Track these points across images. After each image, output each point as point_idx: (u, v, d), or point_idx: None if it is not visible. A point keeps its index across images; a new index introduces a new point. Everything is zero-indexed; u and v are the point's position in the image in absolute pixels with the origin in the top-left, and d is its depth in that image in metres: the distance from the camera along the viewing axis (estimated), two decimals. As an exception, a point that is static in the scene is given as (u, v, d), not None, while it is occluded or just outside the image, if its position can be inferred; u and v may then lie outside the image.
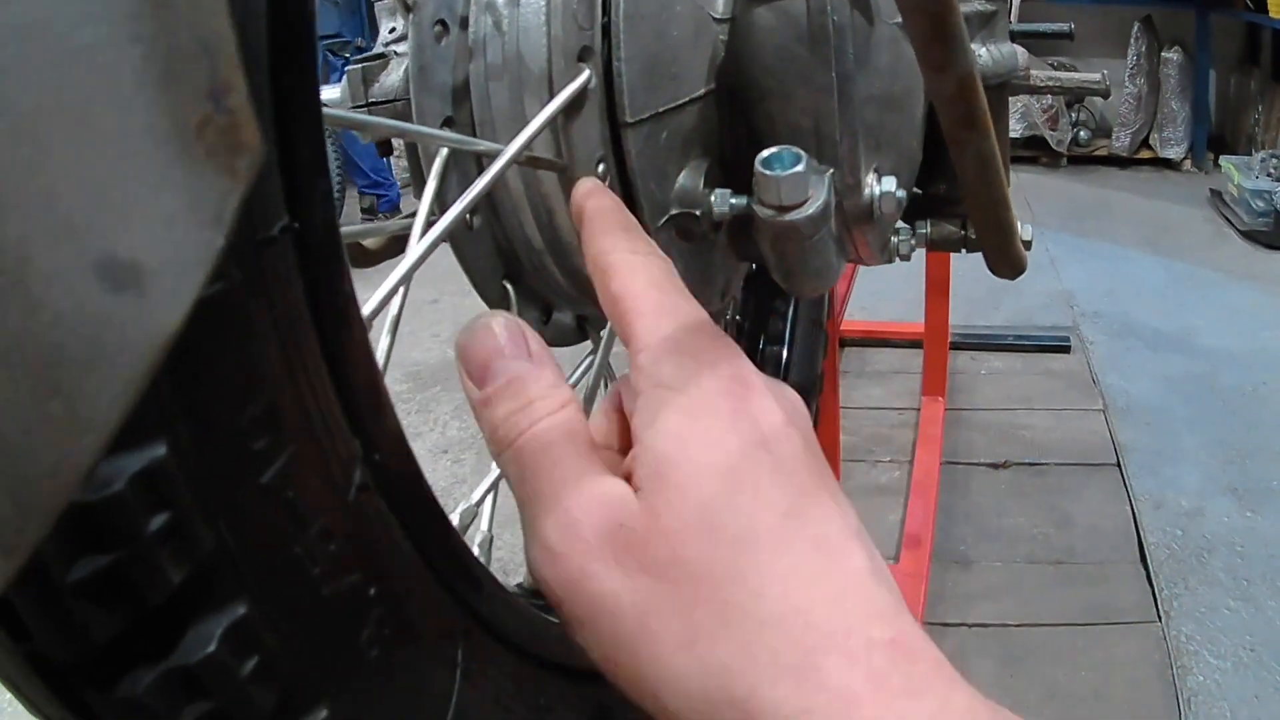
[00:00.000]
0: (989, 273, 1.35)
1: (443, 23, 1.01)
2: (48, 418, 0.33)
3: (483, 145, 0.96)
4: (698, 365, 0.65)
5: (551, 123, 0.95)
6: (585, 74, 0.96)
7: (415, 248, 0.82)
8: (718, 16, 1.12)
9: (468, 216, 1.03)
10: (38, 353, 0.32)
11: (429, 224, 0.88)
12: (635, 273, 0.70)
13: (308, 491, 0.51)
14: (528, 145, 0.90)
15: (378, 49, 1.14)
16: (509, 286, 1.10)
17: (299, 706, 0.52)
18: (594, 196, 0.77)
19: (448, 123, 1.02)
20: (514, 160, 0.89)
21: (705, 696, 0.55)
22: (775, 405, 0.65)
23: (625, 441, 0.69)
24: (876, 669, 0.55)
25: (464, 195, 0.85)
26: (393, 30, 1.19)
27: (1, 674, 0.50)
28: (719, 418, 0.62)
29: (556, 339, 1.19)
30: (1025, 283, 1.32)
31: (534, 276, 1.12)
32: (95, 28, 0.33)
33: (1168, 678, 2.97)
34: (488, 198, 1.04)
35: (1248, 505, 3.83)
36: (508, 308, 1.10)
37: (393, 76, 1.08)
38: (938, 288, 4.25)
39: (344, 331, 0.54)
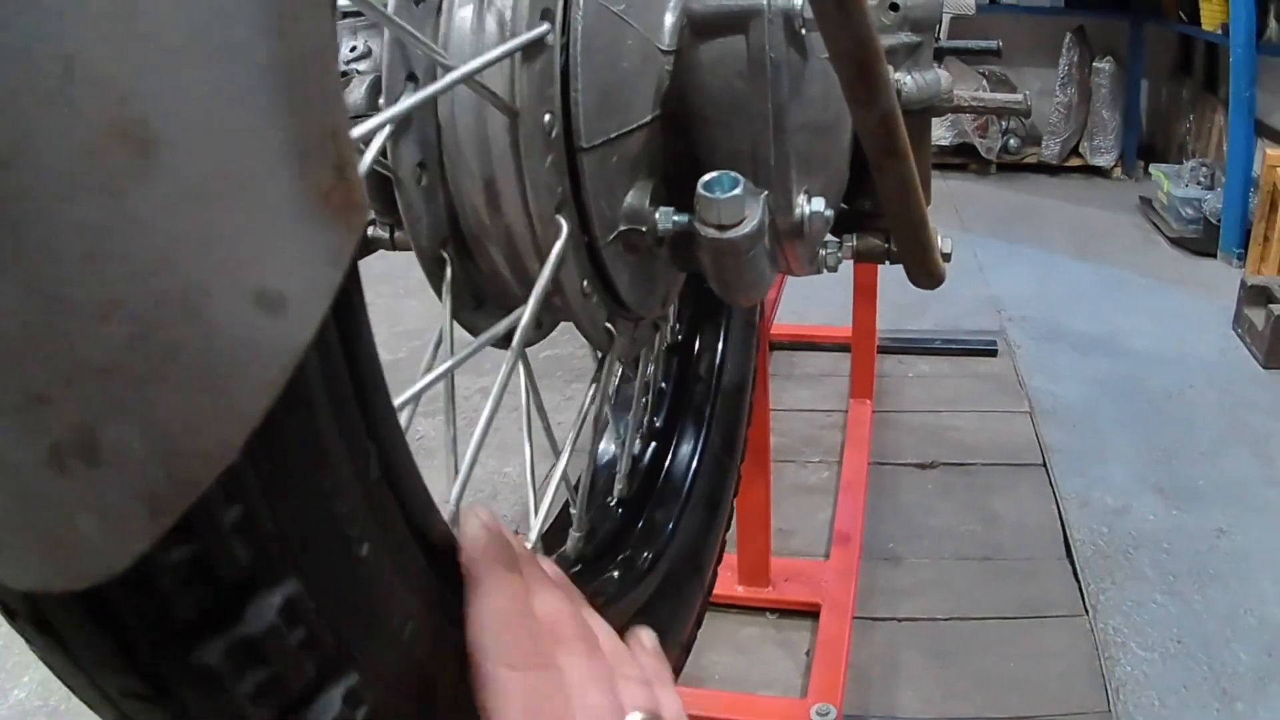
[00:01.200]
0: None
1: None
2: (205, 409, 0.44)
3: (445, 57, 1.02)
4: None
5: (510, 65, 1.01)
6: (545, 26, 1.02)
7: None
8: (663, 49, 1.21)
9: (417, 172, 1.10)
10: (205, 359, 0.44)
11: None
12: (509, 699, 0.70)
13: (342, 485, 0.61)
14: (482, 68, 0.96)
15: (340, 67, 1.19)
16: (445, 254, 1.16)
17: (334, 672, 0.62)
18: (485, 556, 0.75)
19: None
20: (465, 78, 0.95)
21: None
22: None
23: None
24: None
25: (413, 96, 0.95)
26: (354, 49, 1.25)
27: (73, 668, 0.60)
28: None
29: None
30: (953, 288, 1.38)
31: (470, 243, 1.18)
32: (249, 116, 0.44)
33: (1096, 668, 3.03)
34: (437, 149, 1.10)
35: (1173, 504, 3.91)
36: (442, 275, 1.16)
37: (355, 94, 1.16)
38: (865, 293, 4.29)
39: (363, 354, 0.64)
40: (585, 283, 1.18)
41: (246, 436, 0.47)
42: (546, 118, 1.05)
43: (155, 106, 0.40)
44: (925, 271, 1.38)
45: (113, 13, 0.39)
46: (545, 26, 1.02)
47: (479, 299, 1.22)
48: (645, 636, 0.94)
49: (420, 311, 5.13)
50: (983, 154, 9.07)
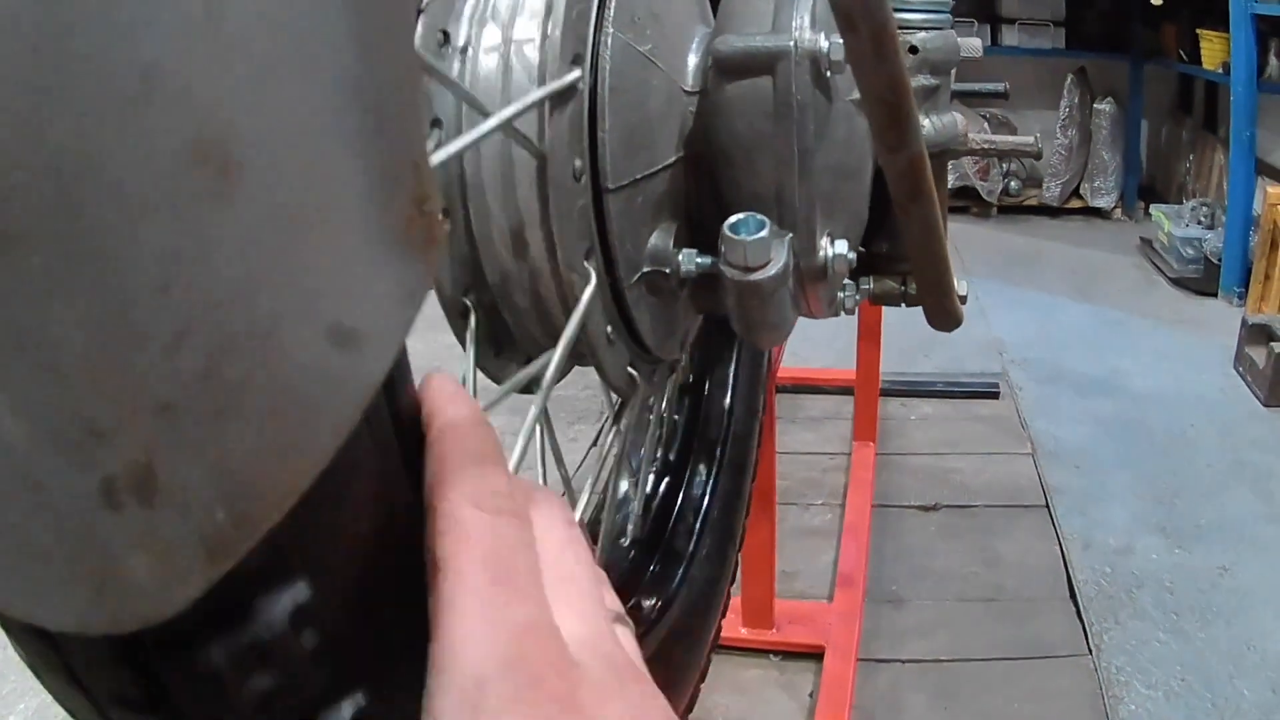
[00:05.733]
0: (919, 322, 1.44)
1: (445, 33, 1.07)
2: (274, 446, 0.43)
3: (480, 103, 1.00)
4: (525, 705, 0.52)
5: (539, 111, 1.01)
6: (577, 72, 1.03)
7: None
8: (687, 90, 1.21)
9: (439, 217, 1.09)
10: (277, 394, 0.42)
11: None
12: (471, 543, 0.57)
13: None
14: (517, 115, 0.96)
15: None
16: (468, 302, 1.15)
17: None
18: (452, 404, 0.66)
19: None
20: (502, 125, 0.94)
21: None
22: None
23: None
24: None
25: (448, 146, 0.94)
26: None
27: None
28: None
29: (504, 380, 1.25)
30: (955, 331, 1.37)
31: (494, 293, 1.16)
32: (334, 141, 0.43)
33: (1099, 708, 3.02)
34: (461, 198, 1.09)
35: (1176, 543, 3.90)
36: (465, 322, 1.16)
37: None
38: (869, 335, 4.28)
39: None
40: (610, 329, 1.18)
41: (314, 477, 0.45)
42: (576, 163, 1.05)
43: (238, 125, 0.39)
44: (944, 313, 1.39)
45: (196, 23, 0.37)
46: (577, 73, 1.03)
47: (499, 346, 1.21)
48: None
49: (425, 354, 5.11)
50: (984, 196, 9.05)
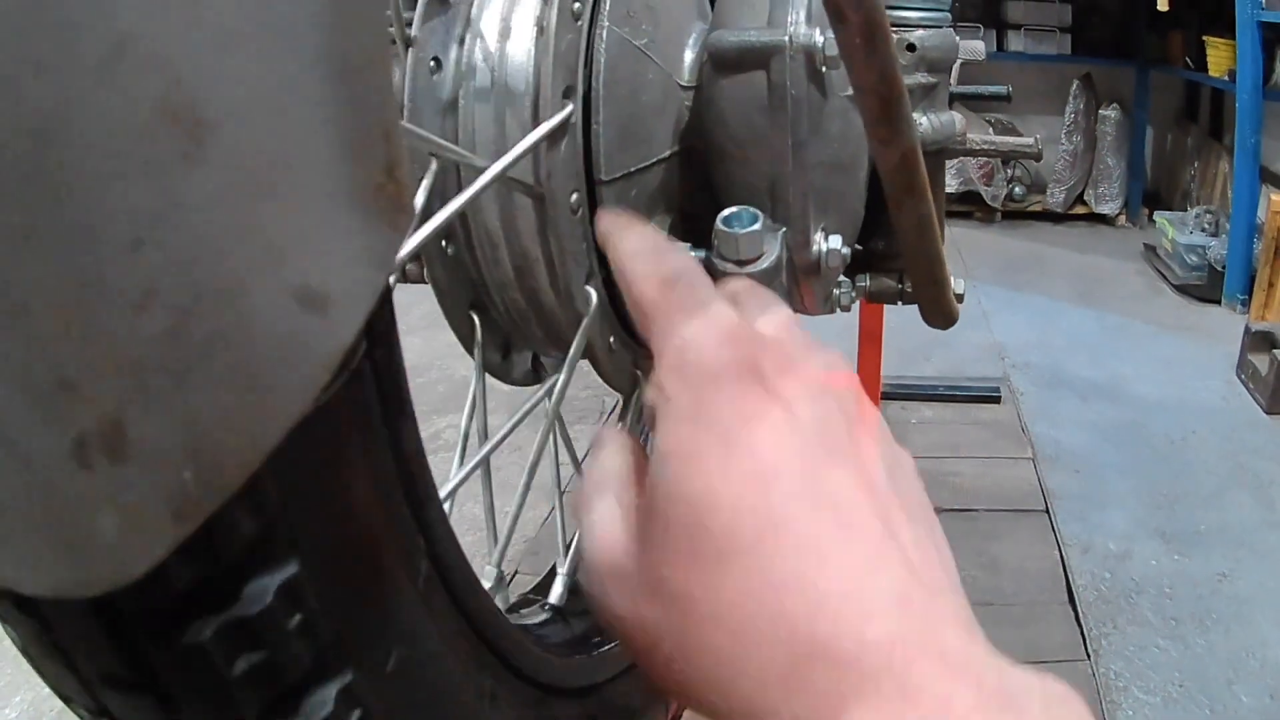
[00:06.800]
0: (921, 325, 1.44)
1: (436, 60, 1.09)
2: (241, 406, 0.43)
3: (474, 159, 1.03)
4: (700, 375, 0.59)
5: (534, 150, 1.02)
6: (569, 108, 1.04)
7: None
8: (684, 84, 1.22)
9: (442, 242, 1.10)
10: (244, 354, 0.43)
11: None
12: (648, 272, 0.65)
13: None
14: (511, 165, 0.97)
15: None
16: (474, 316, 1.18)
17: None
18: (611, 218, 0.71)
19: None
20: (496, 179, 0.96)
21: (714, 707, 0.54)
22: (789, 400, 0.61)
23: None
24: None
25: (446, 207, 0.93)
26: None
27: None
28: (709, 434, 0.57)
29: (515, 379, 1.27)
30: (957, 335, 1.36)
31: (498, 309, 1.19)
32: (305, 106, 0.44)
33: (1097, 712, 2.95)
34: (463, 225, 1.11)
35: (1176, 548, 3.88)
36: (473, 337, 1.18)
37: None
38: (870, 338, 4.26)
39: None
40: (612, 340, 1.19)
41: (279, 439, 0.46)
42: (573, 197, 1.06)
43: (208, 90, 0.40)
44: (940, 311, 1.39)
45: None
46: (569, 108, 1.03)
47: (506, 349, 1.23)
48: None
49: (421, 348, 5.10)
50: (988, 201, 9.02)
